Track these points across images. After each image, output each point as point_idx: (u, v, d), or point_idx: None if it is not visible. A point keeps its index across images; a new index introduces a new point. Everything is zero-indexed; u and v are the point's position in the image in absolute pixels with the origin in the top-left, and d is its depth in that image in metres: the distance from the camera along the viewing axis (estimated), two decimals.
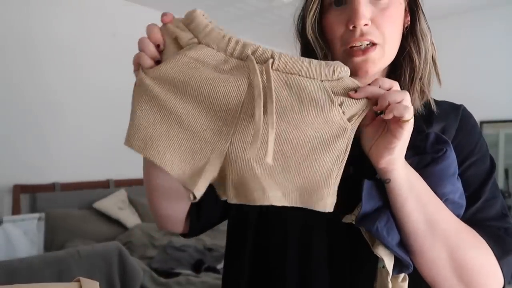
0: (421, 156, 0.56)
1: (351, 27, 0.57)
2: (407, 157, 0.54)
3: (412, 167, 0.55)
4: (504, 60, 3.66)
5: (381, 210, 0.55)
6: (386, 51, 0.60)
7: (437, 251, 0.54)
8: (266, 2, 3.56)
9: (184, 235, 0.75)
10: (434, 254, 0.54)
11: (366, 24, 0.57)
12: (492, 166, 0.64)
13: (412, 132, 0.55)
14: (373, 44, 0.58)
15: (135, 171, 3.60)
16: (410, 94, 0.61)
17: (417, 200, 0.53)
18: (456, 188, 0.56)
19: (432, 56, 0.64)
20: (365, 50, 0.58)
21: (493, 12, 3.71)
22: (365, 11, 0.56)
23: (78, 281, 0.58)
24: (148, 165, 0.63)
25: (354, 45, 0.58)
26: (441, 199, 0.55)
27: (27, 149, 2.97)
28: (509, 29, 3.64)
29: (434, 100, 0.68)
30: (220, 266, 2.47)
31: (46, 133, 3.08)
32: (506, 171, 3.44)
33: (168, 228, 0.72)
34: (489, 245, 0.56)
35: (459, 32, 3.92)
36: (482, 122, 3.76)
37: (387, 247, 0.53)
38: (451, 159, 0.55)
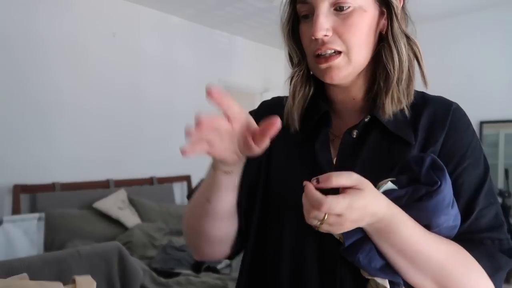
0: (415, 187, 0.54)
1: (313, 38, 0.60)
2: (401, 184, 0.55)
3: (405, 197, 0.55)
4: (504, 60, 3.66)
5: (363, 240, 0.55)
6: (353, 58, 0.61)
7: (422, 281, 0.56)
8: (266, 2, 3.56)
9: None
10: (419, 282, 0.56)
11: (326, 35, 0.60)
12: (486, 169, 0.61)
13: (395, 144, 0.61)
14: (338, 52, 0.61)
15: (135, 171, 3.60)
16: (385, 100, 0.61)
17: (391, 246, 0.54)
18: (450, 216, 0.55)
19: (416, 59, 0.64)
20: (328, 58, 0.61)
21: (493, 12, 3.71)
22: (323, 23, 0.59)
23: (74, 281, 0.58)
24: (208, 219, 0.65)
25: (319, 53, 0.61)
26: (434, 228, 0.55)
27: (27, 149, 2.97)
28: (509, 29, 3.64)
29: (425, 95, 0.67)
30: (220, 266, 2.47)
31: (46, 133, 3.08)
32: (506, 171, 3.44)
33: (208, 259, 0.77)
34: (480, 264, 0.56)
35: (459, 32, 3.92)
36: (482, 122, 3.76)
37: (371, 274, 0.55)
38: (446, 191, 0.54)
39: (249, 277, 0.71)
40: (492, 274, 0.56)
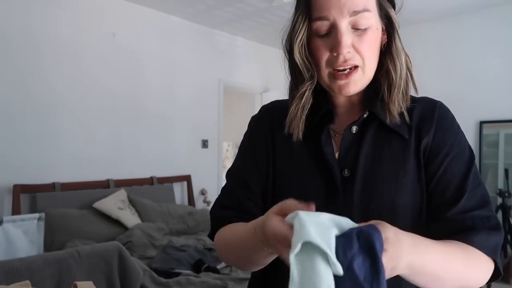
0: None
1: (335, 54, 0.65)
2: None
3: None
4: (504, 60, 3.67)
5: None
6: (366, 71, 0.68)
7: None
8: (266, 2, 3.56)
9: None
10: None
11: (349, 52, 0.65)
12: (472, 156, 0.69)
13: (393, 139, 0.68)
14: (355, 67, 0.66)
15: (135, 171, 3.60)
16: (390, 105, 0.68)
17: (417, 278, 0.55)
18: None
19: (408, 69, 0.71)
20: (348, 74, 0.66)
21: (493, 12, 3.71)
22: (347, 41, 0.64)
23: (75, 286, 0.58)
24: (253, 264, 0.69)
25: (338, 68, 0.66)
26: None
27: (27, 149, 2.98)
28: (509, 29, 3.64)
29: (413, 97, 0.73)
30: (220, 266, 2.47)
31: (45, 133, 3.08)
32: (506, 171, 3.43)
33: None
34: (483, 251, 0.62)
35: (459, 32, 3.92)
36: (482, 122, 3.76)
37: None
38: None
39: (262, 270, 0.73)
40: (494, 256, 0.63)
